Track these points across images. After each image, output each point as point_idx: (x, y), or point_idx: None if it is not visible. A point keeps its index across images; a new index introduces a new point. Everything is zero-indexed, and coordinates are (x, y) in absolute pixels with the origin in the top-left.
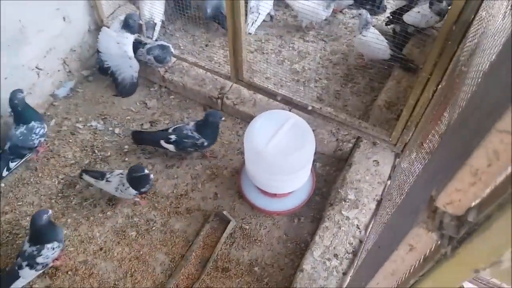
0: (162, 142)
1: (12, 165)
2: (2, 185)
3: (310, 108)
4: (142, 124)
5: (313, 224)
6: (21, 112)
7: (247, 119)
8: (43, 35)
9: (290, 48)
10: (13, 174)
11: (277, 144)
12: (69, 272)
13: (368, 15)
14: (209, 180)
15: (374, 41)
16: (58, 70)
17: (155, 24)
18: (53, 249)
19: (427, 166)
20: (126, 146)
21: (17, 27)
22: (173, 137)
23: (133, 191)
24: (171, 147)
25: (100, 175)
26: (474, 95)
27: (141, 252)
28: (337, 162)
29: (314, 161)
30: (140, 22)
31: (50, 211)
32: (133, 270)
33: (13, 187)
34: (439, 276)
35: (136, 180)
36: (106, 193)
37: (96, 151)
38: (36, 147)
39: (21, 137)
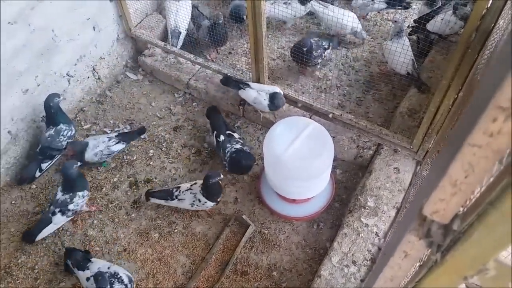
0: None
1: (43, 166)
2: (34, 186)
3: (330, 115)
4: (166, 130)
5: (332, 231)
6: (53, 115)
7: (268, 125)
8: (74, 44)
9: (332, 50)
10: (43, 176)
11: (296, 150)
12: None
13: (404, 24)
14: (229, 185)
15: (400, 51)
16: (88, 77)
17: (180, 33)
18: (83, 197)
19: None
20: (151, 151)
21: (49, 36)
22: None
23: (211, 203)
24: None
25: (168, 195)
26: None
27: (163, 254)
28: (358, 169)
29: (334, 167)
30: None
31: (79, 163)
32: (155, 271)
33: (44, 188)
34: (432, 282)
35: (212, 188)
36: (131, 195)
37: (123, 155)
38: (64, 148)
39: (49, 139)
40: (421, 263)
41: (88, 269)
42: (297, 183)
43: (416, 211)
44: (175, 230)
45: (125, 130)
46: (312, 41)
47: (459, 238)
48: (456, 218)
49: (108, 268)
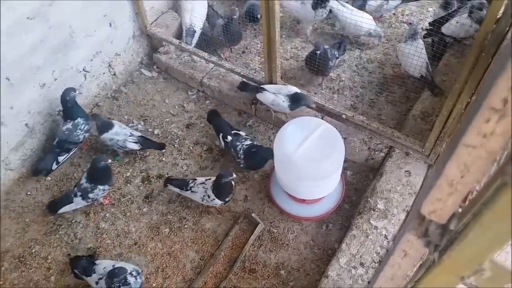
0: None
1: (60, 159)
2: (49, 178)
3: (344, 116)
4: (179, 127)
5: (341, 232)
6: (69, 109)
7: (279, 124)
8: (90, 40)
9: (340, 58)
10: (58, 169)
11: (307, 151)
12: None
13: (418, 27)
14: (240, 183)
15: (413, 54)
16: (104, 73)
17: (195, 31)
18: (104, 190)
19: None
20: None
21: (67, 32)
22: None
23: (219, 202)
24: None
25: (184, 184)
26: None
27: (173, 249)
28: (368, 171)
29: (345, 169)
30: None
31: (110, 160)
32: (164, 265)
33: (58, 181)
34: (430, 282)
35: (223, 188)
36: (143, 190)
37: (136, 151)
38: (80, 142)
39: (66, 132)
40: (420, 262)
41: (94, 272)
42: (307, 183)
43: (416, 210)
44: (185, 226)
45: (145, 135)
46: (327, 48)
47: (455, 238)
48: (453, 218)
49: (113, 266)
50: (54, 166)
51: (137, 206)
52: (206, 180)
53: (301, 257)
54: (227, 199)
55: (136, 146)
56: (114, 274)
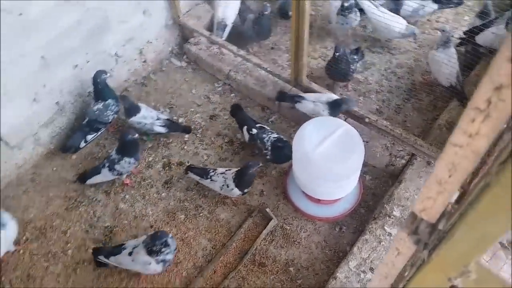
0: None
1: (88, 138)
2: (74, 157)
3: (367, 120)
4: (203, 117)
5: (354, 235)
6: (100, 90)
7: (301, 123)
8: (124, 26)
9: (360, 62)
10: (85, 148)
11: (326, 150)
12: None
13: (452, 34)
14: (257, 177)
15: (445, 62)
16: (135, 59)
17: (226, 25)
18: (129, 163)
19: None
20: (187, 136)
21: (102, 17)
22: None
23: (237, 192)
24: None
25: (205, 173)
26: None
27: (186, 235)
28: (388, 177)
29: (364, 173)
30: None
31: (137, 135)
32: (177, 250)
33: (83, 160)
34: (420, 282)
35: (245, 178)
36: (163, 176)
37: (160, 137)
38: (109, 122)
39: (97, 112)
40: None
41: (125, 249)
42: (323, 183)
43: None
44: (200, 214)
45: (171, 118)
46: (346, 52)
47: (443, 237)
48: (443, 217)
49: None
50: (82, 144)
51: (156, 190)
52: (226, 170)
53: (311, 256)
54: (245, 190)
55: (163, 130)
56: (156, 237)
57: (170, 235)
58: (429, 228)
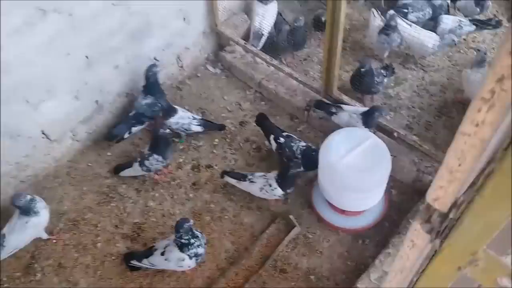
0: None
1: (134, 129)
2: (109, 153)
3: (395, 134)
4: (233, 123)
5: (377, 248)
6: (151, 84)
7: (329, 133)
8: (164, 31)
9: (389, 78)
10: (118, 146)
11: (352, 161)
12: (148, 241)
13: (487, 54)
14: None
15: (479, 81)
16: (172, 64)
17: (262, 35)
18: (157, 161)
19: None
20: (216, 140)
21: (145, 21)
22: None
23: (280, 192)
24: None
25: (242, 176)
26: None
27: (211, 236)
28: (414, 193)
29: (390, 187)
30: None
31: (168, 130)
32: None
33: (117, 157)
34: (432, 273)
35: (288, 179)
36: (192, 177)
37: (191, 140)
38: (152, 118)
39: (145, 106)
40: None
41: (156, 249)
42: (348, 194)
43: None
44: (226, 217)
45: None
46: (372, 66)
47: (453, 225)
48: (454, 207)
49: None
50: (126, 135)
51: (184, 191)
52: (265, 173)
53: (333, 267)
54: (288, 191)
55: (199, 129)
56: (178, 225)
57: (191, 221)
58: (441, 218)
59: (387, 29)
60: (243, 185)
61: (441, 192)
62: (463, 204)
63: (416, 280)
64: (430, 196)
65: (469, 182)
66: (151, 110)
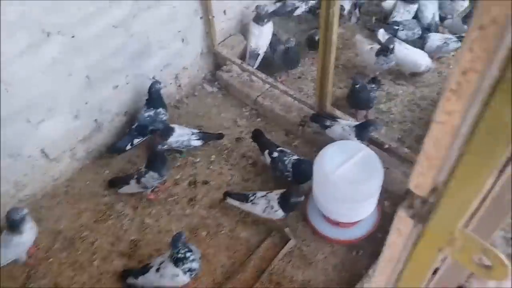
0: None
1: (135, 141)
2: (107, 171)
3: (386, 146)
4: (229, 139)
5: (370, 259)
6: (154, 99)
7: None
8: (163, 52)
9: (379, 89)
10: (116, 165)
11: (345, 172)
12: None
13: None
14: None
15: None
16: (170, 83)
17: (259, 54)
18: (153, 178)
19: None
20: (213, 156)
21: (145, 42)
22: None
23: (282, 213)
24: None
25: (244, 198)
26: None
27: (207, 251)
28: None
29: (383, 199)
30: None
31: (166, 146)
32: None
33: (114, 175)
34: (416, 258)
35: (292, 204)
36: (188, 193)
37: (188, 156)
38: (158, 129)
39: (148, 118)
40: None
41: (152, 267)
42: (342, 205)
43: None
44: (222, 232)
45: (203, 130)
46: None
47: (432, 208)
48: (434, 192)
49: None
50: (129, 147)
51: (181, 207)
52: (266, 193)
53: (327, 278)
54: (290, 213)
55: (199, 142)
56: (175, 239)
57: (184, 235)
58: (422, 203)
59: (386, 50)
60: (246, 207)
61: (421, 179)
62: (441, 188)
63: (403, 268)
64: (411, 183)
65: (447, 169)
66: (154, 122)
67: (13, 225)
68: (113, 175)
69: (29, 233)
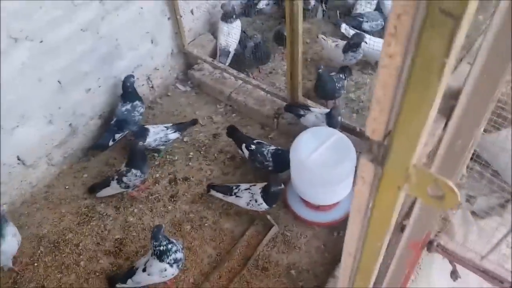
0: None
1: (117, 136)
2: (85, 175)
3: (358, 130)
4: (206, 136)
5: None
6: (129, 93)
7: None
8: (133, 53)
9: (348, 79)
10: (94, 168)
11: (319, 156)
12: (130, 255)
13: None
14: None
15: None
16: (142, 85)
17: (229, 52)
18: (136, 176)
19: None
20: (191, 153)
21: (113, 45)
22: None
23: (266, 206)
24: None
25: (228, 190)
26: None
27: (192, 244)
28: None
29: None
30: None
31: (142, 143)
32: (184, 258)
33: (93, 178)
34: (380, 200)
35: (274, 195)
36: (169, 190)
37: (166, 155)
38: (136, 122)
39: (125, 113)
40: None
41: (137, 268)
42: (318, 188)
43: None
44: (206, 224)
45: (175, 122)
46: (331, 74)
47: (388, 149)
48: (388, 135)
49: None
50: (111, 143)
51: (163, 204)
52: (250, 186)
53: (311, 260)
54: (273, 205)
55: (177, 135)
56: (154, 232)
57: (163, 227)
58: (379, 146)
59: (354, 46)
60: (230, 199)
61: (375, 124)
62: (392, 130)
63: (370, 216)
64: (368, 129)
65: (395, 111)
66: (131, 116)
67: None
68: (91, 179)
69: (11, 239)
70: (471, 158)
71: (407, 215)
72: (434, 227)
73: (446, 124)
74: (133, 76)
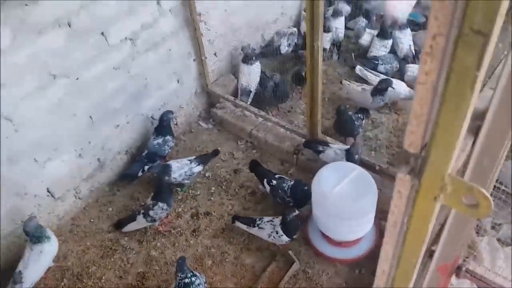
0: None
1: (146, 168)
2: (110, 209)
3: (377, 168)
4: (227, 171)
5: (373, 277)
6: (164, 127)
7: None
8: (160, 92)
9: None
10: (119, 202)
11: (342, 190)
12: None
13: None
14: None
15: None
16: None
17: (251, 91)
18: (162, 209)
19: None
20: (213, 188)
21: (143, 83)
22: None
23: (286, 238)
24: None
25: (251, 222)
26: None
27: (213, 279)
28: None
29: (380, 218)
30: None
31: (167, 177)
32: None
33: (118, 212)
34: (417, 212)
35: (291, 224)
36: (191, 225)
37: (189, 190)
38: (165, 156)
39: (156, 146)
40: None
41: None
42: (341, 222)
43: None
44: (227, 259)
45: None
46: (350, 113)
47: (424, 161)
48: (424, 147)
49: None
50: (140, 173)
51: (185, 238)
52: (273, 218)
53: None
54: (294, 236)
55: (201, 167)
56: (180, 264)
57: (186, 259)
58: (416, 158)
59: (382, 90)
60: (253, 231)
61: (413, 137)
62: (429, 142)
63: (406, 230)
64: (405, 143)
65: (432, 124)
66: (162, 149)
67: (38, 236)
68: (116, 212)
69: (54, 238)
70: (494, 187)
71: (435, 241)
72: (463, 247)
73: (474, 142)
74: (172, 112)
